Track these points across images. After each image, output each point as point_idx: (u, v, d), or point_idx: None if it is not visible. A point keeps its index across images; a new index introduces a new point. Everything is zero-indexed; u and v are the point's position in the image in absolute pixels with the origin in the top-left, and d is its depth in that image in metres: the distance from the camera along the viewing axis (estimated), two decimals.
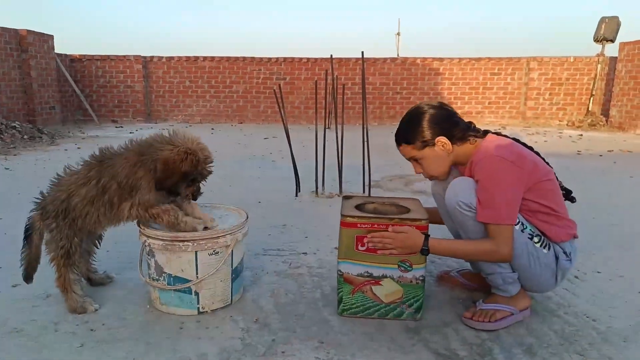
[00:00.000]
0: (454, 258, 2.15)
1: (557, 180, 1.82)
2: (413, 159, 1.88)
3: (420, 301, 1.82)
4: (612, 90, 9.97)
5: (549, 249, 1.74)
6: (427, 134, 1.79)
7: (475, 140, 1.81)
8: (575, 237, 1.80)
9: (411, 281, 1.79)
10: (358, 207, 1.92)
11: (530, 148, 1.83)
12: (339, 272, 1.84)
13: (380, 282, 1.81)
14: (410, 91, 10.89)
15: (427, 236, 1.73)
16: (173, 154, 1.75)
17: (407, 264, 1.78)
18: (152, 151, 1.78)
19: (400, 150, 1.89)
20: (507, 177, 1.65)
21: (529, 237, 1.71)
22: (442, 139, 1.78)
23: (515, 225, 1.68)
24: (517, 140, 1.83)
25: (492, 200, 1.65)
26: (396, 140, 1.87)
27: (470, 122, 1.86)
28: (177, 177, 1.77)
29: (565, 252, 1.76)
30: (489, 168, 1.67)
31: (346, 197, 2.04)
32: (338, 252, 1.85)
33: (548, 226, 1.74)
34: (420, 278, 1.79)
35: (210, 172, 1.89)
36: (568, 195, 1.87)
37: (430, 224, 1.80)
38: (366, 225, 1.77)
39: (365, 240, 1.77)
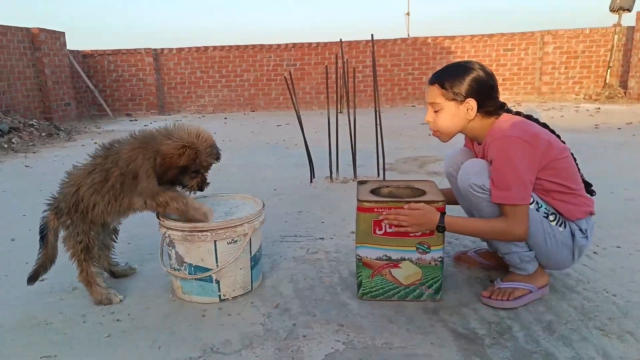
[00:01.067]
0: (469, 236, 2.13)
1: (573, 157, 1.80)
2: (433, 106, 1.82)
3: (439, 282, 1.83)
4: (630, 61, 9.72)
5: (564, 226, 1.73)
6: (463, 89, 1.74)
7: (492, 119, 1.79)
8: (591, 214, 1.78)
9: (430, 262, 1.80)
10: (373, 191, 1.93)
11: (546, 126, 1.81)
12: (357, 257, 1.86)
13: (399, 265, 1.82)
14: (423, 71, 10.75)
15: (442, 213, 1.73)
16: (170, 148, 1.77)
17: (426, 245, 1.79)
18: (153, 143, 1.80)
19: (428, 91, 1.83)
20: (521, 157, 1.64)
21: (544, 216, 1.70)
22: (472, 102, 1.74)
23: (530, 204, 1.68)
24: (532, 118, 1.81)
25: (505, 181, 1.64)
26: (431, 78, 1.82)
27: (504, 103, 1.81)
28: (176, 170, 1.79)
29: (581, 230, 1.75)
30: (502, 148, 1.66)
31: (361, 182, 2.04)
32: (356, 237, 1.86)
33: (563, 204, 1.73)
34: (439, 259, 1.80)
35: (212, 163, 1.89)
36: (588, 188, 1.83)
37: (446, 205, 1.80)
38: (382, 209, 1.77)
39: (380, 218, 1.77)
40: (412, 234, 1.77)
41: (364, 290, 1.88)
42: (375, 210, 1.78)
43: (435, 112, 1.82)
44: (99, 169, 1.81)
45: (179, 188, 1.90)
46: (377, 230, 1.80)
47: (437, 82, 1.78)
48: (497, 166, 1.66)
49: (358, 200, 1.82)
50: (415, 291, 1.84)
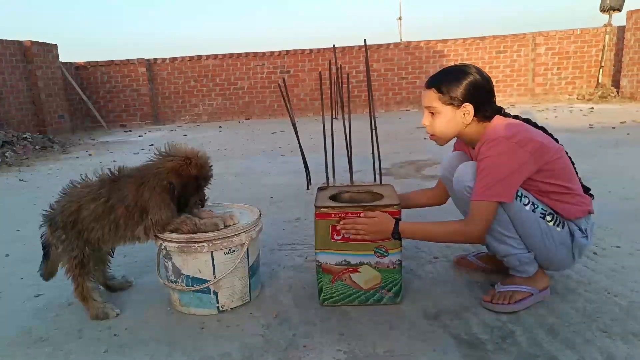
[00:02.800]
0: (428, 241, 2.09)
1: (569, 157, 1.79)
2: (429, 109, 1.81)
3: (399, 285, 1.84)
4: (621, 61, 9.79)
5: (562, 226, 1.72)
6: (460, 93, 1.72)
7: (487, 122, 1.77)
8: (590, 212, 1.77)
9: (388, 266, 1.81)
10: (334, 197, 1.96)
11: (542, 128, 1.80)
12: (317, 263, 1.86)
13: (358, 270, 1.83)
14: (416, 75, 10.78)
15: (397, 220, 1.74)
16: (177, 163, 1.80)
17: (383, 249, 1.79)
18: (152, 169, 1.82)
19: (425, 95, 1.81)
20: (506, 158, 1.63)
21: (540, 216, 1.69)
22: (469, 107, 1.73)
23: (526, 205, 1.67)
24: (528, 121, 1.80)
25: (482, 180, 1.64)
26: (428, 82, 1.80)
27: (501, 107, 1.81)
28: (193, 182, 1.83)
29: (580, 229, 1.74)
30: (490, 151, 1.65)
31: (321, 188, 2.06)
32: (315, 243, 1.86)
33: (561, 204, 1.72)
34: (397, 262, 1.81)
35: (211, 176, 1.94)
36: (587, 192, 1.82)
37: (405, 209, 1.85)
38: (340, 215, 1.79)
39: (338, 228, 1.78)
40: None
41: (324, 295, 1.87)
42: (333, 215, 1.79)
43: (432, 115, 1.81)
44: (102, 202, 1.80)
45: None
46: (335, 235, 1.81)
47: (434, 86, 1.77)
48: (482, 166, 1.66)
49: (315, 206, 1.83)
50: (376, 295, 1.85)
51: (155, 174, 1.80)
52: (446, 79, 1.75)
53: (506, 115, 1.80)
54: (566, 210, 1.72)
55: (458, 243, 1.75)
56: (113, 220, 1.80)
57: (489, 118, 1.76)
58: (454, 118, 1.76)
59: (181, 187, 1.81)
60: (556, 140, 1.78)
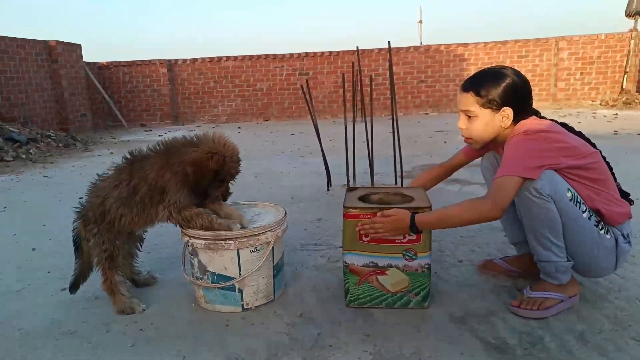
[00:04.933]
0: (451, 227, 2.03)
1: (607, 162, 1.75)
2: (466, 112, 1.77)
3: (427, 289, 1.81)
4: None
5: (609, 234, 1.69)
6: (500, 97, 1.68)
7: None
8: (630, 217, 1.74)
9: (417, 269, 1.78)
10: (362, 198, 1.93)
11: (579, 133, 1.76)
12: (344, 264, 1.84)
13: (386, 272, 1.80)
14: (436, 79, 10.73)
15: (413, 214, 1.70)
16: (199, 155, 1.77)
17: (412, 252, 1.77)
18: (178, 154, 1.80)
19: (462, 98, 1.77)
20: (528, 143, 1.61)
21: (594, 224, 1.65)
22: (508, 111, 1.69)
23: (584, 212, 1.63)
24: (565, 125, 1.76)
25: (504, 163, 1.62)
26: (465, 85, 1.76)
27: (537, 111, 1.78)
28: (210, 177, 1.79)
29: (623, 235, 1.71)
30: (514, 141, 1.65)
31: (350, 189, 2.04)
32: (342, 244, 1.85)
33: (605, 210, 1.68)
34: (426, 266, 1.78)
35: (238, 172, 1.90)
36: (626, 197, 1.78)
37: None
38: (369, 216, 1.76)
39: (357, 229, 1.76)
40: (398, 241, 1.76)
41: (351, 297, 1.86)
42: (361, 216, 1.77)
43: (469, 118, 1.78)
44: (125, 185, 1.81)
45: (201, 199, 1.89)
46: (363, 236, 1.78)
47: (472, 90, 1.73)
48: (505, 153, 1.65)
49: (344, 207, 1.81)
50: (403, 298, 1.82)
51: (179, 162, 1.78)
52: (484, 82, 1.71)
53: (542, 118, 1.77)
54: (609, 215, 1.68)
55: (475, 222, 1.68)
56: (140, 200, 1.81)
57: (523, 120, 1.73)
58: (492, 121, 1.73)
59: (199, 180, 1.78)
60: (593, 145, 1.74)
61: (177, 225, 1.89)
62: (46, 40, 8.73)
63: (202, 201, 1.88)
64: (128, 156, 1.89)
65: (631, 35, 10.07)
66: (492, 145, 1.93)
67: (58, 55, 8.81)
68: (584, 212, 1.63)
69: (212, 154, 1.79)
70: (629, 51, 10.07)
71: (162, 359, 1.59)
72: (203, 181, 1.79)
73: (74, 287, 1.98)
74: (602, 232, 1.67)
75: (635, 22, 10.09)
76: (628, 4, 10.04)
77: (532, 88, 1.79)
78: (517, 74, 1.72)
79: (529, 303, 1.73)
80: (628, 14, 10.09)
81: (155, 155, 1.85)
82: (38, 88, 8.42)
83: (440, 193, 2.20)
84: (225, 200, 1.95)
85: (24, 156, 6.15)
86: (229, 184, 1.92)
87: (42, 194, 4.25)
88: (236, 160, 1.86)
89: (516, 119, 1.71)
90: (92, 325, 1.82)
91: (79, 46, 9.54)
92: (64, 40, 9.07)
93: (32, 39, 8.34)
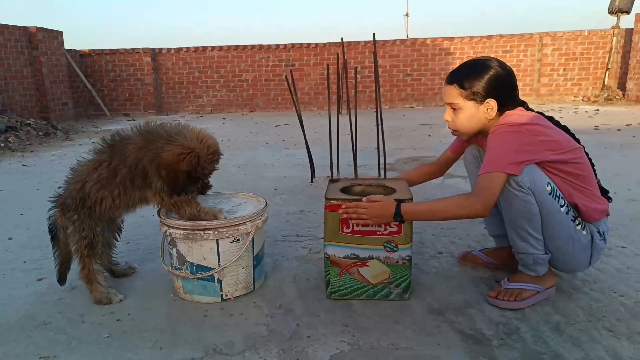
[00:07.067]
0: (436, 220, 2.03)
1: (589, 158, 1.76)
2: (451, 105, 1.77)
3: (408, 281, 1.81)
4: (628, 63, 9.72)
5: (586, 230, 1.71)
6: (483, 89, 1.68)
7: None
8: (607, 214, 1.76)
9: (397, 261, 1.79)
10: (345, 189, 1.92)
11: (564, 127, 1.76)
12: (325, 255, 1.84)
13: (367, 264, 1.81)
14: (421, 72, 10.75)
15: (399, 203, 1.69)
16: (169, 157, 1.70)
17: (393, 244, 1.77)
18: (155, 145, 1.73)
19: (446, 90, 1.77)
20: (511, 137, 1.61)
21: (572, 219, 1.66)
22: (492, 102, 1.69)
23: (562, 207, 1.64)
24: (550, 119, 1.76)
25: (488, 157, 1.63)
26: (449, 77, 1.76)
27: (524, 102, 1.77)
28: (183, 177, 1.73)
29: (599, 232, 1.72)
30: (496, 131, 1.65)
31: (333, 181, 2.03)
32: (324, 235, 1.84)
33: (583, 206, 1.69)
34: (407, 258, 1.79)
35: (214, 169, 1.84)
36: (605, 194, 1.79)
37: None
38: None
39: (340, 212, 1.75)
40: (380, 232, 1.76)
41: (332, 288, 1.86)
42: (343, 208, 1.76)
43: (454, 111, 1.78)
44: (105, 166, 1.78)
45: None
46: (344, 228, 1.78)
47: (456, 82, 1.73)
48: (488, 146, 1.65)
49: (326, 198, 1.80)
50: (384, 290, 1.83)
51: (153, 157, 1.72)
52: (467, 74, 1.71)
53: (529, 109, 1.77)
54: (587, 212, 1.70)
55: (462, 218, 1.69)
56: (120, 182, 1.77)
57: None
58: (477, 114, 1.73)
59: (173, 180, 1.73)
60: (577, 140, 1.75)
61: (158, 215, 1.87)
62: (26, 26, 8.51)
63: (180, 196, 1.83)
64: (108, 138, 1.85)
65: (613, 32, 10.19)
66: (480, 137, 1.94)
67: (39, 42, 8.60)
68: (562, 206, 1.65)
69: (184, 154, 1.70)
70: (611, 48, 10.20)
71: (139, 351, 1.57)
72: (178, 182, 1.75)
73: (61, 279, 1.95)
74: (579, 227, 1.68)
75: (618, 19, 10.21)
76: (611, 2, 10.15)
77: None
78: (502, 65, 1.71)
79: (506, 294, 1.75)
80: (611, 12, 10.19)
81: (135, 137, 1.80)
82: (17, 75, 8.23)
83: (422, 185, 2.20)
84: (204, 193, 1.91)
85: (2, 145, 6.02)
86: (205, 180, 1.87)
87: (21, 183, 4.16)
88: (212, 158, 1.79)
89: (501, 110, 1.71)
90: (67, 317, 1.79)
91: (60, 33, 9.33)
92: (45, 27, 8.87)
93: (11, 25, 8.13)
